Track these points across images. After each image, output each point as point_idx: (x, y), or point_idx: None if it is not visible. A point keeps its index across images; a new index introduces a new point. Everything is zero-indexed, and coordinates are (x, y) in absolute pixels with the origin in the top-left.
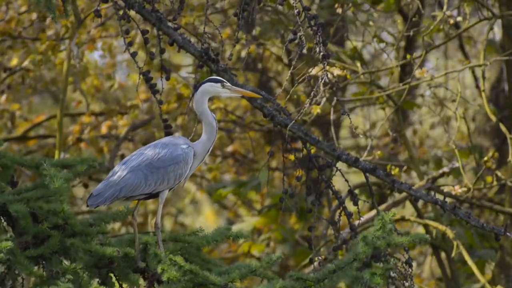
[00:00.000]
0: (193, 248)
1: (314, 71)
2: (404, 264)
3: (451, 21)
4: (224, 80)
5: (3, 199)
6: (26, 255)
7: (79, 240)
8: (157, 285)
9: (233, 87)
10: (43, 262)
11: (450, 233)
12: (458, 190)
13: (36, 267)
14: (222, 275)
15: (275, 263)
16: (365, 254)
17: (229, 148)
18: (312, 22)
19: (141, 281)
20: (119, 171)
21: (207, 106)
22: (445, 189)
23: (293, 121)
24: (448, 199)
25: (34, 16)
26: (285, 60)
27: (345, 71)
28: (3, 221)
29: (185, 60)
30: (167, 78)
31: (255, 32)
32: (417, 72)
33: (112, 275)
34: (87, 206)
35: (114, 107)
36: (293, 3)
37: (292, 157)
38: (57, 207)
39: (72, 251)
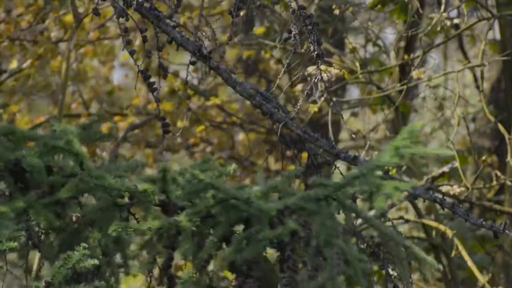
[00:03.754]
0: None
1: (310, 69)
2: (402, 262)
3: (448, 23)
4: None
5: (15, 155)
6: (42, 203)
7: (95, 180)
8: (179, 214)
9: None
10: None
11: (449, 233)
12: (456, 190)
13: (52, 215)
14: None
15: None
16: (390, 164)
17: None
18: (307, 21)
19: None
20: None
21: None
22: (443, 188)
23: (290, 117)
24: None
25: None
26: (284, 61)
27: (342, 71)
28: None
29: (185, 59)
30: (165, 77)
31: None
32: (414, 73)
33: (132, 212)
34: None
35: (109, 109)
36: (288, 1)
37: (291, 154)
38: (71, 147)
39: (88, 190)
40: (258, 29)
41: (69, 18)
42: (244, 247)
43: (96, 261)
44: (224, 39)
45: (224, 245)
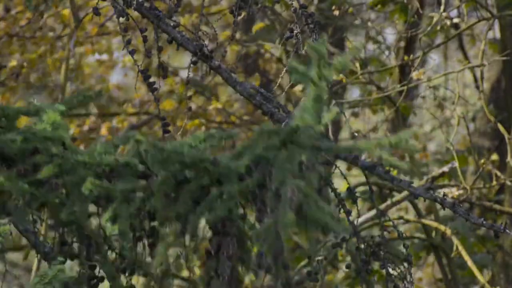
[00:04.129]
0: None
1: None
2: (403, 261)
3: (448, 23)
4: None
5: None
6: (22, 181)
7: (76, 155)
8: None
9: None
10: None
11: (449, 232)
12: (455, 193)
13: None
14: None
15: None
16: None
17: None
18: (309, 20)
19: None
20: None
21: None
22: (442, 191)
23: (290, 118)
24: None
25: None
26: (285, 61)
27: (340, 75)
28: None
29: (186, 61)
30: (165, 77)
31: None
32: (414, 74)
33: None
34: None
35: (106, 105)
36: (289, 1)
37: None
38: (49, 133)
39: (70, 169)
40: (258, 25)
41: (67, 12)
42: (216, 205)
43: (72, 275)
44: (225, 38)
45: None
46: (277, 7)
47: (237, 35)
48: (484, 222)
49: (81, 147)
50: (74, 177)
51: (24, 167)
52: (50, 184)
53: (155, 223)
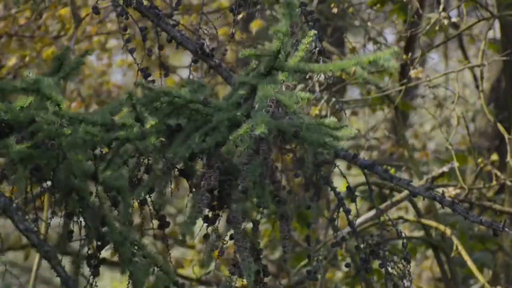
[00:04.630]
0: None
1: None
2: (402, 260)
3: (446, 22)
4: None
5: None
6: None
7: (72, 120)
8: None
9: None
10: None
11: (449, 232)
12: (452, 192)
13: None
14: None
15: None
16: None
17: None
18: (309, 18)
19: None
20: None
21: None
22: (441, 189)
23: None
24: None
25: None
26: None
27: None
28: None
29: (185, 60)
30: (166, 75)
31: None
32: (412, 73)
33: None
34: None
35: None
36: None
37: (289, 159)
38: (47, 93)
39: (66, 134)
40: (256, 22)
41: (65, 11)
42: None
43: None
44: (223, 34)
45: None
46: (277, 7)
47: (237, 35)
48: (483, 221)
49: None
50: (72, 137)
51: (21, 135)
52: (46, 144)
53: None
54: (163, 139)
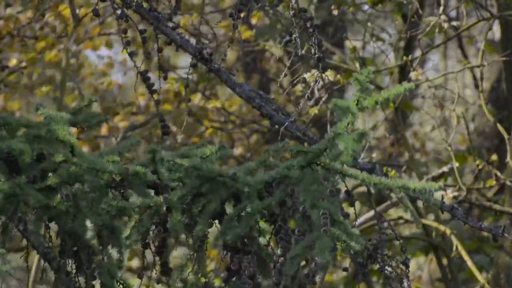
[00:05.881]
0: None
1: (308, 76)
2: (401, 264)
3: (446, 25)
4: None
5: (7, 144)
6: (33, 187)
7: (86, 164)
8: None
9: None
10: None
11: (448, 232)
12: (450, 194)
13: (41, 195)
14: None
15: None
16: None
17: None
18: (308, 24)
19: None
20: None
21: None
22: (440, 193)
23: (289, 121)
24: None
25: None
26: (286, 62)
27: (338, 76)
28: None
29: (185, 60)
30: (165, 78)
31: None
32: (412, 74)
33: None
34: None
35: (111, 105)
36: (290, 4)
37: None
38: (60, 135)
39: (80, 175)
40: (255, 15)
41: (67, 12)
42: (235, 224)
43: None
44: (226, 30)
45: (217, 223)
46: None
47: (236, 35)
48: (483, 226)
49: (70, 134)
50: (85, 186)
51: (33, 174)
52: (61, 194)
53: (165, 235)
54: (188, 219)
